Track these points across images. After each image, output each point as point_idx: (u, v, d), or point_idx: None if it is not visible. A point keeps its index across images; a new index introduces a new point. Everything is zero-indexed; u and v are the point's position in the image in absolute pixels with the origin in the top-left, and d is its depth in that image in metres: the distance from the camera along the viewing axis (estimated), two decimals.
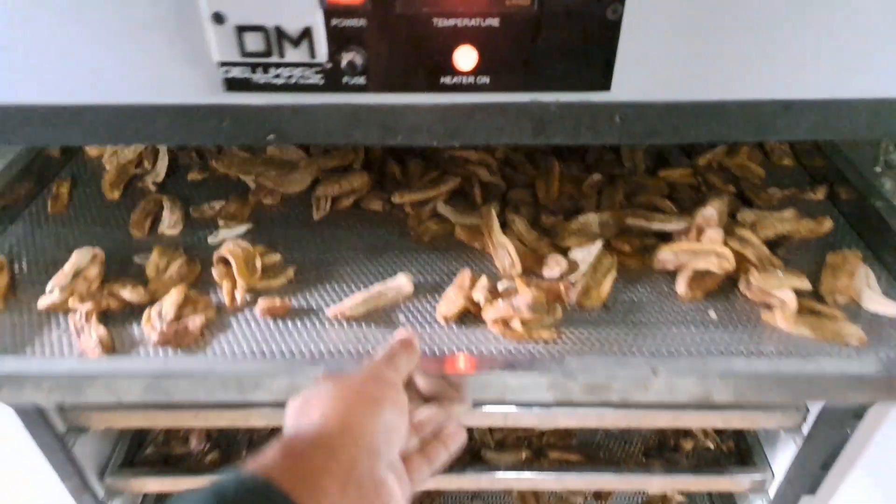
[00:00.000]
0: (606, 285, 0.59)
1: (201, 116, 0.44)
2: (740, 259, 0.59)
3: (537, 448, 0.84)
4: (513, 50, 0.42)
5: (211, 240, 0.66)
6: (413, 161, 0.72)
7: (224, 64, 0.43)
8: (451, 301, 0.57)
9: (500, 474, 0.74)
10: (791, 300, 0.56)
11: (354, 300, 0.57)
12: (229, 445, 0.84)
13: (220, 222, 0.67)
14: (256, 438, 0.84)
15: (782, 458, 0.69)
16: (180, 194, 0.71)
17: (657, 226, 0.64)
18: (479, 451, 0.82)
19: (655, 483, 0.77)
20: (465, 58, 0.42)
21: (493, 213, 0.64)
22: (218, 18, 0.41)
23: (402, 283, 0.58)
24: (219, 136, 0.45)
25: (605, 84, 0.43)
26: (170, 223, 0.67)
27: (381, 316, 0.57)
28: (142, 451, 0.81)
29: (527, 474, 0.74)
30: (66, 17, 0.41)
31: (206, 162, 0.74)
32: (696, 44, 0.42)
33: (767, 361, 0.52)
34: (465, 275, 0.59)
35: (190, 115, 0.44)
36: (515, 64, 0.42)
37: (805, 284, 0.57)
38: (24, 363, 0.53)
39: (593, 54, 0.42)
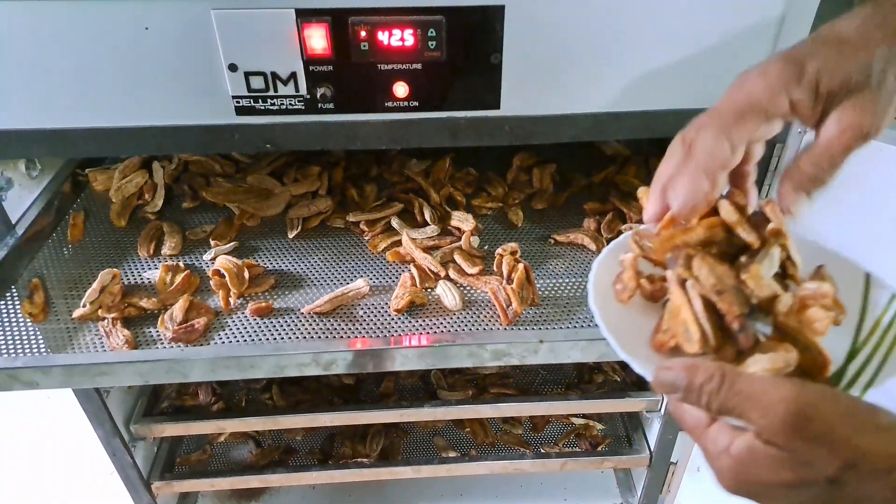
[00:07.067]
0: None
1: (219, 133, 0.68)
2: None
3: (482, 387, 1.12)
4: (432, 84, 0.67)
5: (206, 257, 0.84)
6: (369, 185, 0.95)
7: (235, 97, 0.66)
8: (399, 298, 0.74)
9: (451, 408, 0.98)
10: None
11: (323, 299, 0.74)
12: (231, 397, 1.14)
13: (212, 242, 0.86)
14: (253, 390, 1.16)
15: None
16: (176, 220, 0.90)
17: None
18: (434, 391, 1.11)
19: (572, 407, 1.01)
20: (401, 89, 0.67)
21: (407, 237, 0.82)
22: (232, 67, 0.65)
23: (359, 285, 0.76)
24: (231, 147, 0.68)
25: (496, 105, 0.68)
26: (170, 245, 0.85)
27: (345, 311, 0.75)
28: (159, 404, 1.07)
29: (471, 406, 0.98)
30: (128, 68, 0.65)
31: (196, 193, 0.96)
32: (552, 78, 0.68)
33: None
34: (406, 276, 0.78)
35: (211, 132, 0.68)
36: (435, 93, 0.67)
37: None
38: (71, 357, 0.68)
39: (486, 86, 0.67)
